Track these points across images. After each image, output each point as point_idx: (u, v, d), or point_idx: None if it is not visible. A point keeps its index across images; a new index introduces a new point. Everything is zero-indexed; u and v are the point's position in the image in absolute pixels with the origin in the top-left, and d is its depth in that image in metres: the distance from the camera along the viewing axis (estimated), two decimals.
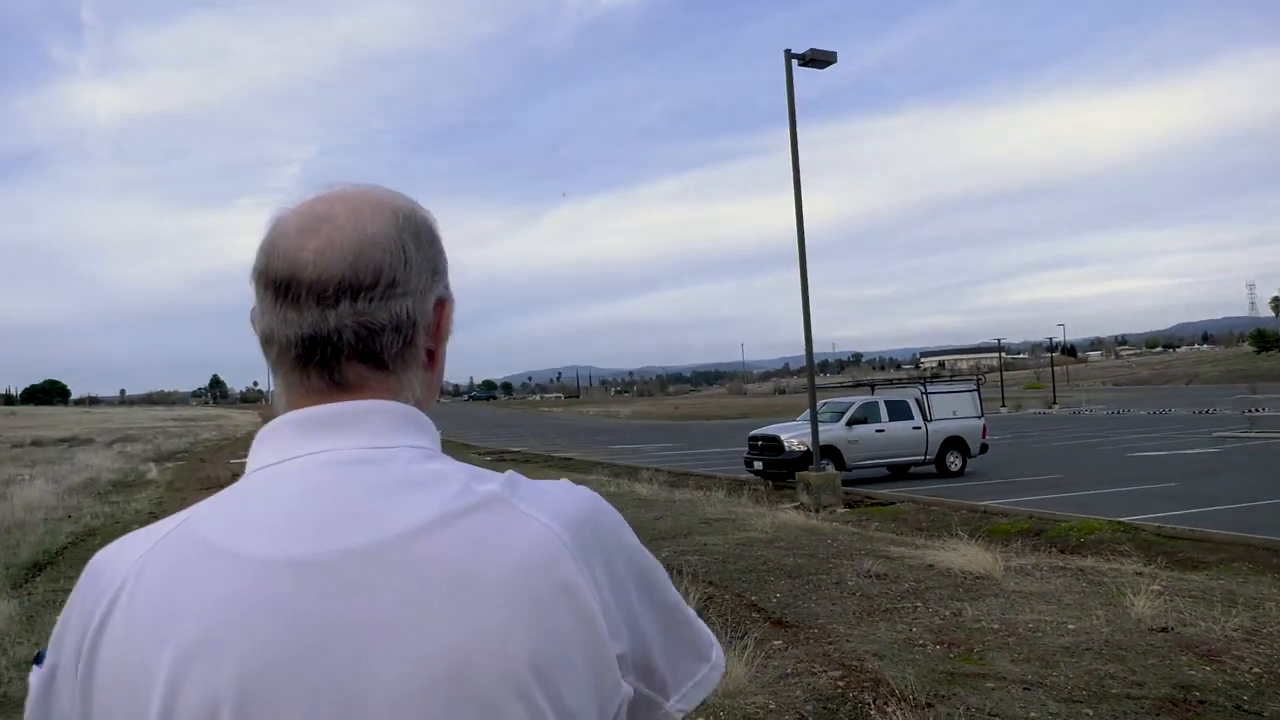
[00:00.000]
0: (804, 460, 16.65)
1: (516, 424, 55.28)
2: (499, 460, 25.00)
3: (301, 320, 0.80)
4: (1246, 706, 4.30)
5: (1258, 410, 31.11)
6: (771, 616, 6.20)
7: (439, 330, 0.87)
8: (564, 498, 0.78)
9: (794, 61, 15.02)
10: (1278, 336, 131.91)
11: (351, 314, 0.80)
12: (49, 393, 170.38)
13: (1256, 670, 4.79)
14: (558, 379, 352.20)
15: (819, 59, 14.96)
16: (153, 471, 22.39)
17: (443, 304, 0.87)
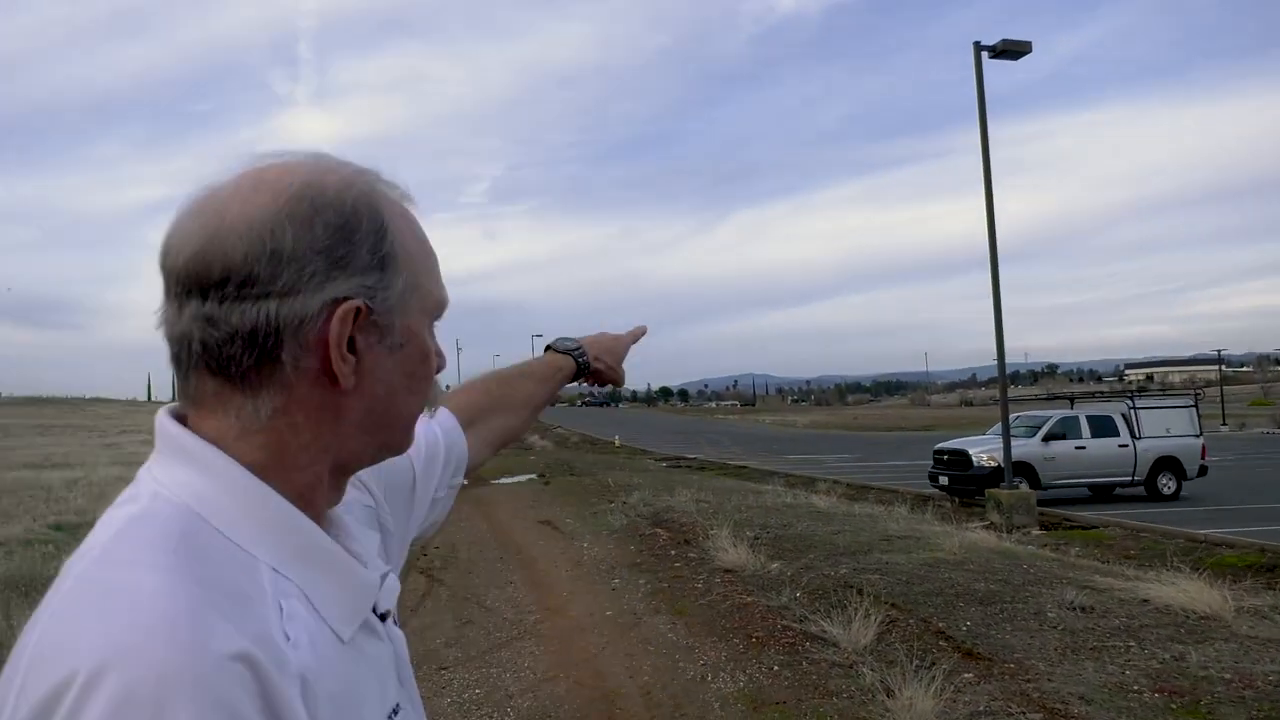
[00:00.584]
0: (994, 477, 15.71)
1: (692, 431, 55.45)
2: (675, 466, 25.10)
3: (163, 315, 0.69)
4: None
5: None
6: (961, 646, 5.75)
7: (332, 341, 0.67)
8: (85, 635, 0.55)
9: (984, 54, 14.23)
10: None
11: (201, 315, 0.66)
12: None
13: None
14: (733, 386, 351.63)
15: (1012, 50, 14.10)
16: None
17: (337, 305, 0.68)
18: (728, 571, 8.11)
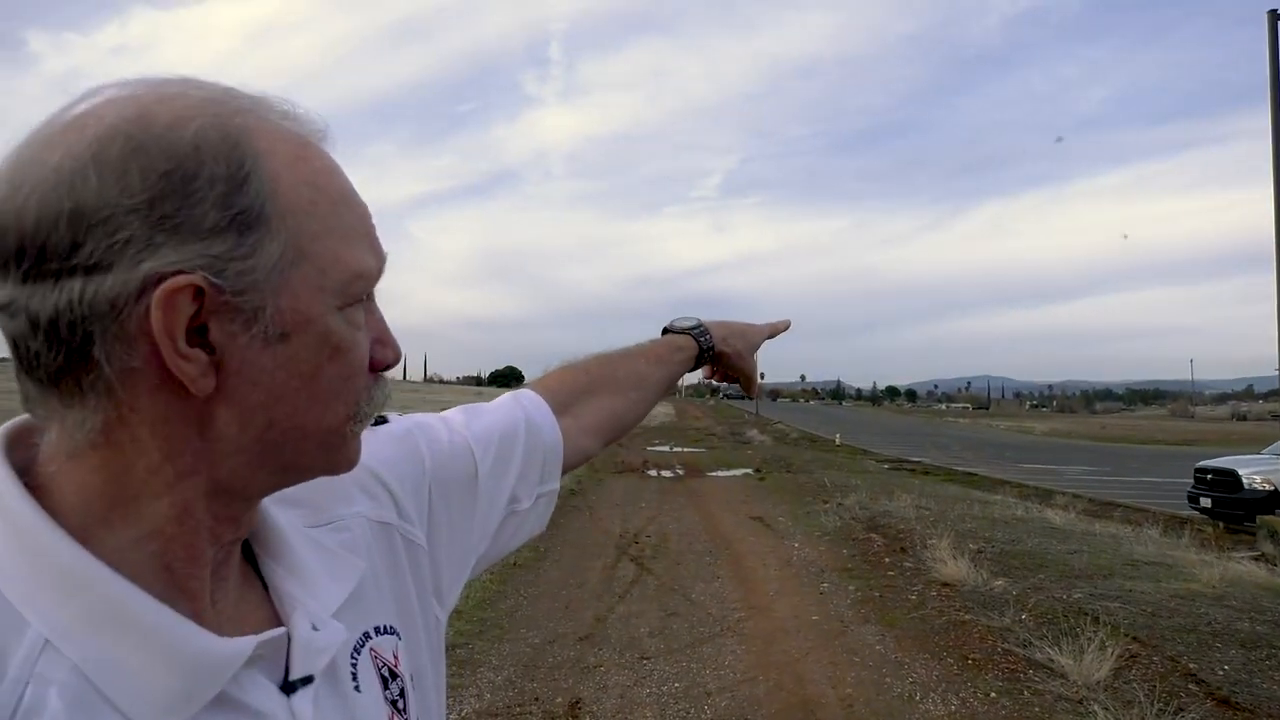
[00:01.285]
0: (1269, 502, 13.94)
1: (918, 433, 53.21)
2: (897, 469, 24.17)
3: None
4: None
5: None
6: (1216, 693, 5.08)
7: (156, 331, 0.50)
8: None
9: None
10: None
11: (4, 299, 0.51)
12: (507, 377, 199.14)
13: None
14: (966, 388, 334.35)
15: None
16: None
17: (159, 280, 0.50)
18: (945, 585, 7.66)
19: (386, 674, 0.69)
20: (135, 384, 0.52)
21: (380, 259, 0.61)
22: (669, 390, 1.15)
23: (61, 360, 0.51)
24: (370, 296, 0.61)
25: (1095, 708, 4.77)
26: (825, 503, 13.40)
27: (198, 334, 0.52)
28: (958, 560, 8.12)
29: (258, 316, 0.54)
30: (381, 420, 0.80)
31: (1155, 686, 5.05)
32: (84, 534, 0.53)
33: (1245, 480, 15.16)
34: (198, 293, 0.51)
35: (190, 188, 0.51)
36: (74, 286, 0.50)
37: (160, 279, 0.50)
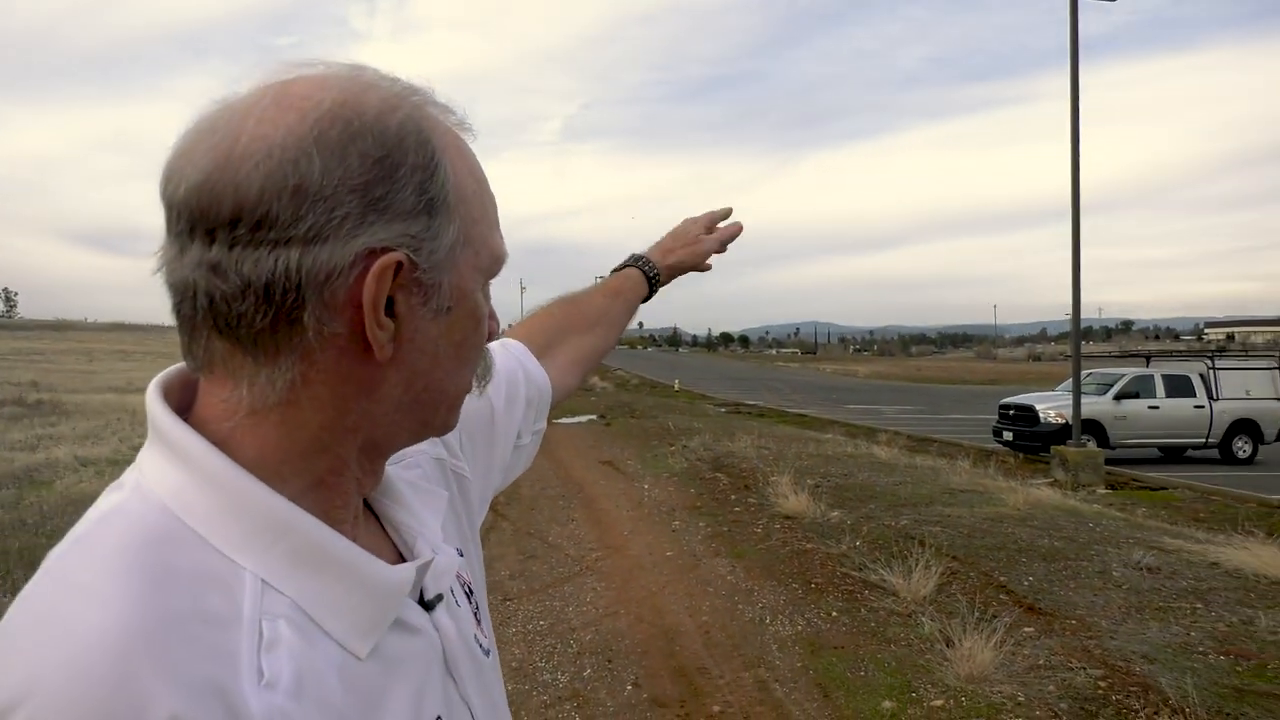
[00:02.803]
0: (1061, 434, 15.49)
1: (752, 377, 55.30)
2: (734, 412, 25.15)
3: (162, 256, 0.58)
4: None
5: None
6: (1023, 601, 5.74)
7: (366, 302, 0.56)
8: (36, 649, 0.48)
9: None
10: None
11: (206, 261, 0.55)
12: None
13: None
14: (795, 335, 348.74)
15: None
16: None
17: (374, 257, 0.56)
18: (788, 518, 8.18)
19: (467, 590, 0.78)
20: (329, 348, 0.57)
21: (505, 243, 0.69)
22: (629, 318, 1.24)
23: (267, 322, 0.55)
24: None
25: (923, 619, 5.30)
26: (670, 446, 13.84)
27: (387, 305, 0.58)
28: (798, 495, 8.66)
29: (433, 291, 0.60)
30: None
31: (973, 598, 5.65)
32: (268, 483, 0.58)
33: (1042, 415, 16.75)
34: (397, 268, 0.58)
35: (396, 173, 0.57)
36: (292, 255, 0.54)
37: (371, 253, 0.56)
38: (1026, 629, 5.18)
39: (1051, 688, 4.34)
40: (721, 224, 1.36)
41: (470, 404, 0.86)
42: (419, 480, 0.77)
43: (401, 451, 0.73)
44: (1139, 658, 4.70)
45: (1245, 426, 17.07)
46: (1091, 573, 6.43)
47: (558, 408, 1.17)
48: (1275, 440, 17.21)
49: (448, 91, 0.64)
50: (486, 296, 0.67)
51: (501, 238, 0.67)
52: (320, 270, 0.55)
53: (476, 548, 0.88)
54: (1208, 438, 17.00)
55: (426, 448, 0.82)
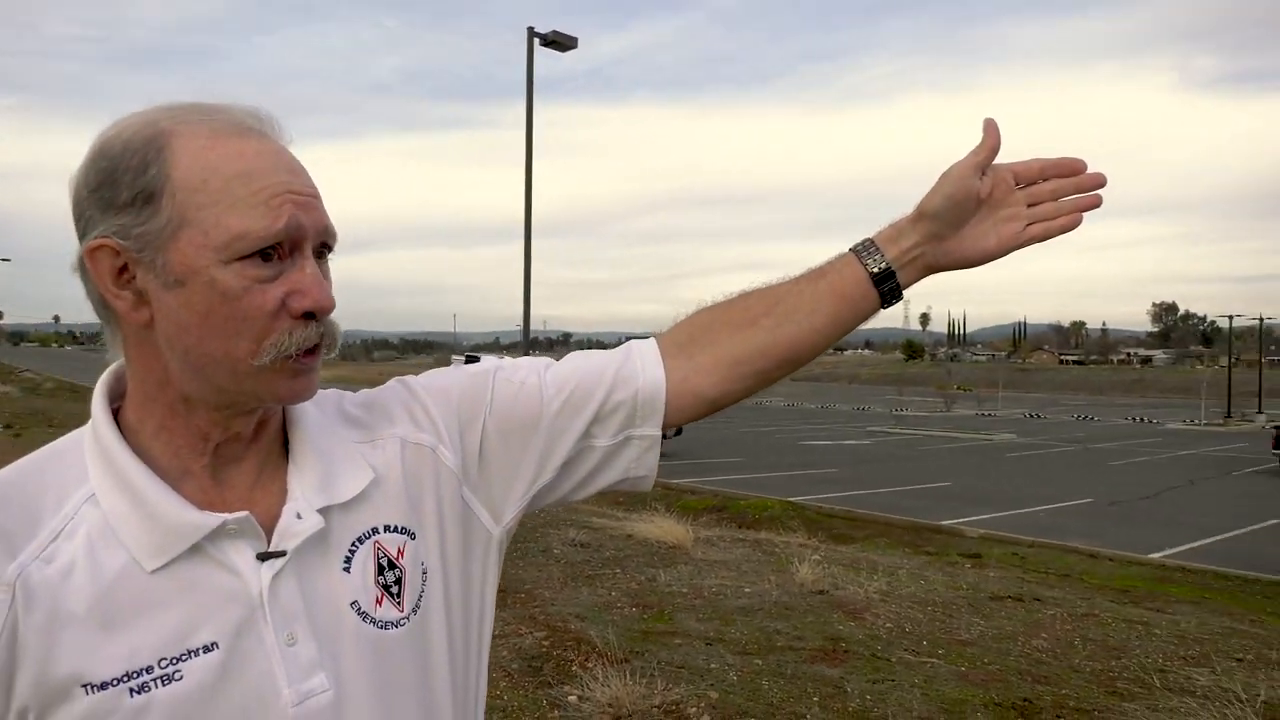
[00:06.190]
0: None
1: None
2: None
3: None
4: (880, 654, 5.13)
5: (903, 410, 37.27)
6: None
7: (93, 278, 0.74)
8: None
9: (536, 40, 15.16)
10: (923, 347, 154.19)
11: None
12: None
13: (889, 625, 5.71)
14: None
15: (560, 42, 15.20)
16: None
17: (92, 251, 0.73)
18: None
19: (385, 563, 0.82)
20: (121, 321, 0.77)
21: (276, 223, 0.72)
22: (835, 307, 0.95)
23: (99, 302, 0.76)
24: (296, 253, 0.74)
25: None
26: None
27: (129, 280, 0.74)
28: None
29: (154, 269, 0.73)
30: (472, 359, 0.93)
31: None
32: (135, 425, 0.78)
33: None
34: (116, 252, 0.73)
35: (115, 176, 0.73)
36: (81, 249, 0.75)
37: (97, 241, 0.74)
38: None
39: (505, 652, 4.93)
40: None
41: (517, 401, 0.92)
42: (362, 458, 0.85)
43: (376, 430, 0.88)
44: (574, 617, 5.56)
45: None
46: (537, 552, 7.35)
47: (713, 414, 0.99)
48: (674, 436, 20.87)
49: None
50: (251, 274, 0.71)
51: (262, 216, 0.71)
52: (83, 261, 0.75)
53: (460, 533, 0.90)
54: None
55: (407, 432, 0.88)
